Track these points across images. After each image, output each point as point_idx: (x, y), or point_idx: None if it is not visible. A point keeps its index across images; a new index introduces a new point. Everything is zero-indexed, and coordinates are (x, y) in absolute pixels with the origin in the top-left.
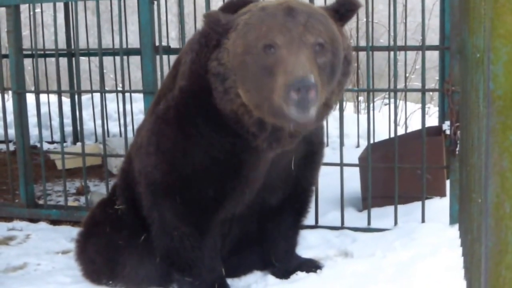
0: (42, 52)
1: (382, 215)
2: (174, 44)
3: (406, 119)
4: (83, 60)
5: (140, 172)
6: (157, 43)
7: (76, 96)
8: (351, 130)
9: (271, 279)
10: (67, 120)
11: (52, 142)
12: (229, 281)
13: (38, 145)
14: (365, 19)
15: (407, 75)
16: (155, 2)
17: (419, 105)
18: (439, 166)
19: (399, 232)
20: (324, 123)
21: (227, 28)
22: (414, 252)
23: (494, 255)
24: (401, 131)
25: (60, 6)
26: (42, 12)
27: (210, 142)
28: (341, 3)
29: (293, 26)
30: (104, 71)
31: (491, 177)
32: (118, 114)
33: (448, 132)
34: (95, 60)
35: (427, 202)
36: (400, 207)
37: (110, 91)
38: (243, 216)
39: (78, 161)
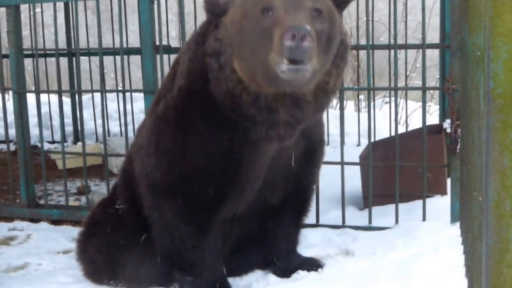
0: (42, 52)
1: (383, 214)
2: (174, 43)
3: (406, 117)
4: (84, 59)
5: (141, 172)
6: (157, 43)
7: (77, 96)
8: (352, 129)
9: (272, 278)
10: (68, 120)
11: (52, 142)
12: (230, 280)
13: (39, 145)
14: (365, 18)
15: (408, 73)
16: (155, 2)
17: (420, 104)
18: (440, 165)
19: (400, 230)
20: (325, 121)
21: (225, 8)
22: (415, 250)
23: (495, 253)
24: (401, 129)
25: (60, 6)
26: (42, 12)
27: (208, 140)
28: None
29: None
30: (105, 70)
31: (491, 175)
32: (118, 114)
33: (448, 130)
34: (95, 59)
35: (428, 200)
36: (401, 206)
37: (111, 91)
38: (244, 215)
39: (79, 161)
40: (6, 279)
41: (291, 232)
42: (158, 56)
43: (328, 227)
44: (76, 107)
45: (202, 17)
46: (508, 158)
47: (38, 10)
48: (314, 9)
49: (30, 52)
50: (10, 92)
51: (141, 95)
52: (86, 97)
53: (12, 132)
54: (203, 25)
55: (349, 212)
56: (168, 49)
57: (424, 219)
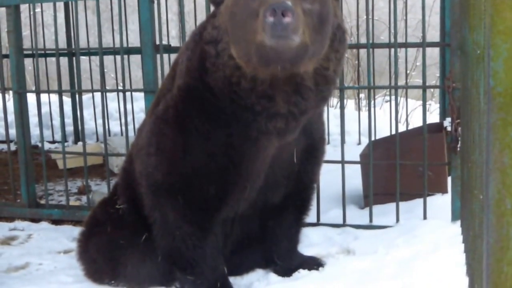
0: (42, 52)
1: (384, 212)
2: (174, 42)
3: (407, 116)
4: (84, 59)
5: (141, 173)
6: (157, 42)
7: (77, 96)
8: (352, 128)
9: (273, 277)
10: (68, 119)
11: (53, 142)
12: (232, 279)
13: (39, 145)
14: (365, 17)
15: (408, 72)
16: (155, 1)
17: (420, 102)
18: (441, 163)
19: (401, 229)
20: (325, 120)
21: None
22: (416, 249)
23: (496, 252)
24: (402, 128)
25: (60, 5)
26: (42, 12)
27: (206, 137)
28: None
29: None
30: (105, 70)
31: (492, 174)
32: (119, 113)
33: (449, 128)
34: (95, 59)
35: (428, 199)
36: (402, 204)
37: (111, 90)
38: (245, 215)
39: (80, 161)
40: (7, 279)
41: (292, 231)
42: (158, 56)
43: (329, 226)
44: (77, 106)
45: (202, 16)
46: (508, 156)
47: (38, 10)
48: None
49: (30, 52)
50: (11, 92)
51: (142, 94)
52: (86, 97)
53: (12, 132)
54: (201, 24)
55: (350, 211)
56: (168, 49)
57: (425, 217)
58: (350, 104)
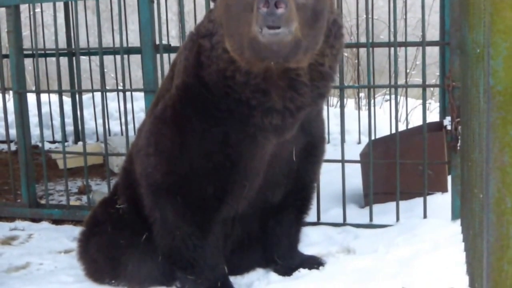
0: (42, 52)
1: (384, 211)
2: (174, 42)
3: (407, 115)
4: (84, 59)
5: (141, 173)
6: (157, 42)
7: (77, 96)
8: (352, 127)
9: (273, 276)
10: (68, 119)
11: (53, 142)
12: (232, 279)
13: (40, 144)
14: (365, 16)
15: (408, 71)
16: (155, 1)
17: (420, 101)
18: (441, 162)
19: (401, 228)
20: (325, 119)
21: None
22: (416, 248)
23: (496, 250)
24: (402, 127)
25: (60, 5)
26: (42, 12)
27: (203, 135)
28: None
29: None
30: (105, 70)
31: (492, 172)
32: (119, 113)
33: (449, 127)
34: (95, 59)
35: (428, 198)
36: (402, 203)
37: (111, 90)
38: (245, 215)
39: (80, 161)
40: (8, 279)
41: (292, 231)
42: (158, 55)
43: (329, 225)
44: (77, 106)
45: (201, 16)
46: (508, 155)
47: (38, 10)
48: None
49: (30, 52)
50: (11, 92)
51: (142, 94)
52: (86, 97)
53: (12, 132)
54: (199, 23)
55: (350, 210)
56: (168, 48)
57: (425, 216)
58: (350, 103)
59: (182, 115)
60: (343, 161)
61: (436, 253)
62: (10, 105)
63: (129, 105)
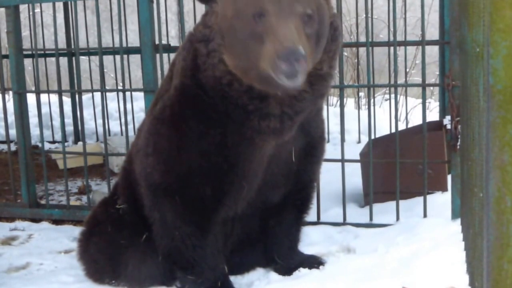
0: (42, 52)
1: (384, 211)
2: (174, 42)
3: (406, 114)
4: (83, 59)
5: (140, 173)
6: (157, 42)
7: (77, 96)
8: (352, 126)
9: (273, 276)
10: (68, 119)
11: (53, 142)
12: (232, 278)
13: (40, 145)
14: (364, 15)
15: (407, 70)
16: (155, 1)
17: (420, 100)
18: (440, 161)
19: (401, 227)
20: (325, 118)
21: None
22: (416, 247)
23: (496, 249)
24: (402, 126)
25: (60, 6)
26: (41, 12)
27: (200, 136)
28: None
29: None
30: (105, 70)
31: (492, 171)
32: (119, 113)
33: (449, 126)
34: (95, 59)
35: (428, 197)
36: (402, 203)
37: (111, 90)
38: (245, 214)
39: (80, 161)
40: (8, 279)
41: (292, 230)
42: (158, 55)
43: (329, 225)
44: (77, 106)
45: (201, 16)
46: (508, 154)
47: (37, 10)
48: (305, 14)
49: (30, 52)
50: (10, 92)
51: (141, 94)
52: (86, 97)
53: (12, 132)
54: (197, 24)
55: (350, 209)
56: (168, 48)
57: (425, 215)
58: (349, 102)
59: (180, 115)
60: (343, 160)
61: (436, 252)
62: (10, 105)
63: (129, 105)
